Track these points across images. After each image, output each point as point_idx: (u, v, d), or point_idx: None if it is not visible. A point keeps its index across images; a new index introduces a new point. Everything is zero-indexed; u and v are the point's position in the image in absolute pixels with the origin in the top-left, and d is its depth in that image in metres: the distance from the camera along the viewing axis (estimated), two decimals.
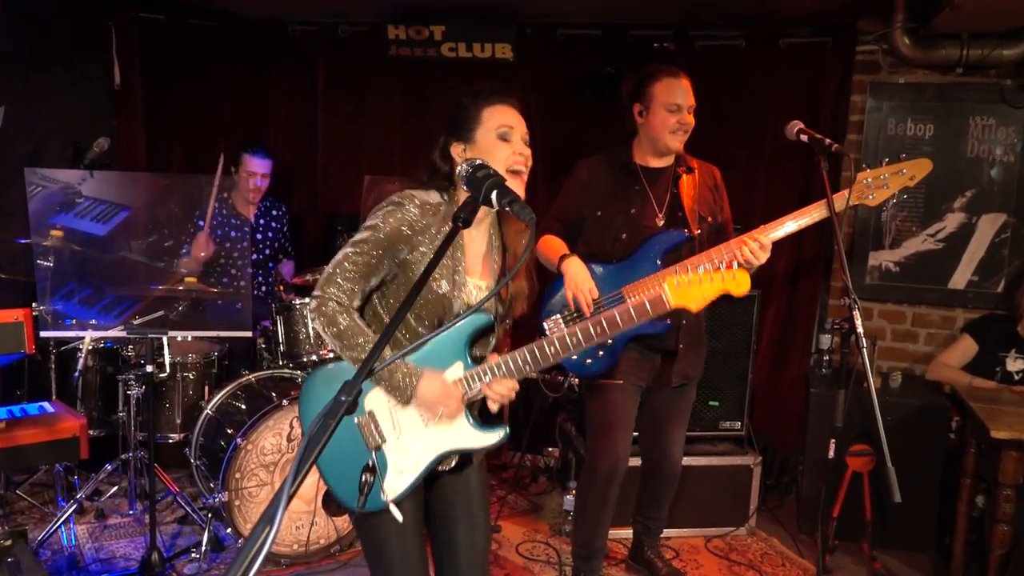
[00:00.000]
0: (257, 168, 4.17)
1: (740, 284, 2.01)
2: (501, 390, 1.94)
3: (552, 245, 2.97)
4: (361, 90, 4.89)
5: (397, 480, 1.96)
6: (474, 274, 2.03)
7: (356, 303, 1.93)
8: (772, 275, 4.32)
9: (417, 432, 1.98)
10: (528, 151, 1.98)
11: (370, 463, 1.88)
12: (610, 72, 4.46)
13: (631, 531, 3.52)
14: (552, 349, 1.95)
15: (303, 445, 0.90)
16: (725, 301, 3.74)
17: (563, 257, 2.89)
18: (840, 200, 2.66)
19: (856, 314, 2.34)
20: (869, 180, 2.74)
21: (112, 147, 4.42)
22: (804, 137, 2.63)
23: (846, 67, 4.16)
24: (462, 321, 1.96)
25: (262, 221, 4.41)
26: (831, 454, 2.47)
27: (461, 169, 1.67)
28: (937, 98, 4.04)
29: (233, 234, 4.16)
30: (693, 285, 1.97)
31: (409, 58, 4.67)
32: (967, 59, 3.85)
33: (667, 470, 3.24)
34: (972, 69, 3.93)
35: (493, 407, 1.98)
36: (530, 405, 4.55)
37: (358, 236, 1.92)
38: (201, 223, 4.05)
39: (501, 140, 1.93)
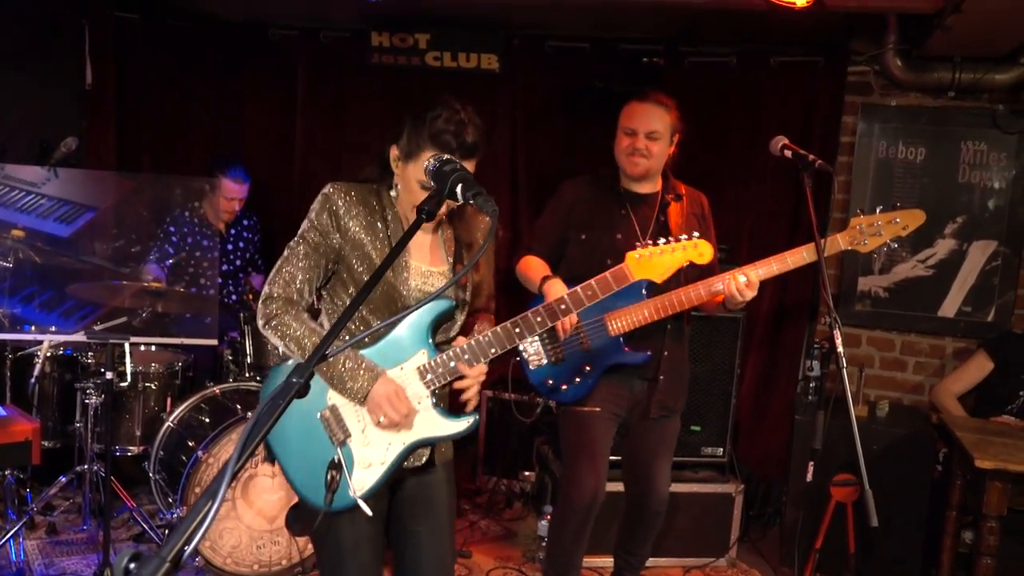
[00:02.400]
0: (235, 194, 4.27)
1: (703, 253, 2.10)
2: (471, 372, 1.99)
3: (533, 266, 3.00)
4: (342, 98, 4.95)
5: (365, 475, 1.97)
6: (421, 260, 2.07)
7: (303, 302, 1.99)
8: (759, 299, 4.32)
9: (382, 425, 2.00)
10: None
11: (335, 459, 1.90)
12: (599, 86, 4.54)
13: (611, 559, 3.53)
14: (517, 330, 2.02)
15: (250, 425, 0.94)
16: (708, 324, 3.82)
17: (545, 279, 2.91)
18: (831, 245, 2.78)
19: (837, 333, 2.39)
20: (863, 226, 2.81)
21: (80, 148, 4.45)
22: (788, 153, 2.69)
23: (838, 87, 4.25)
24: (422, 308, 2.00)
25: (233, 232, 4.44)
26: (810, 477, 2.51)
27: (429, 163, 1.72)
28: (929, 122, 4.13)
29: (205, 243, 4.19)
30: (654, 257, 2.05)
31: (392, 66, 4.74)
32: (959, 83, 3.96)
33: (653, 505, 3.20)
34: (964, 93, 4.04)
35: (468, 396, 2.03)
36: (507, 429, 4.58)
37: (294, 238, 2.01)
38: (172, 229, 4.08)
39: (422, 189, 1.95)
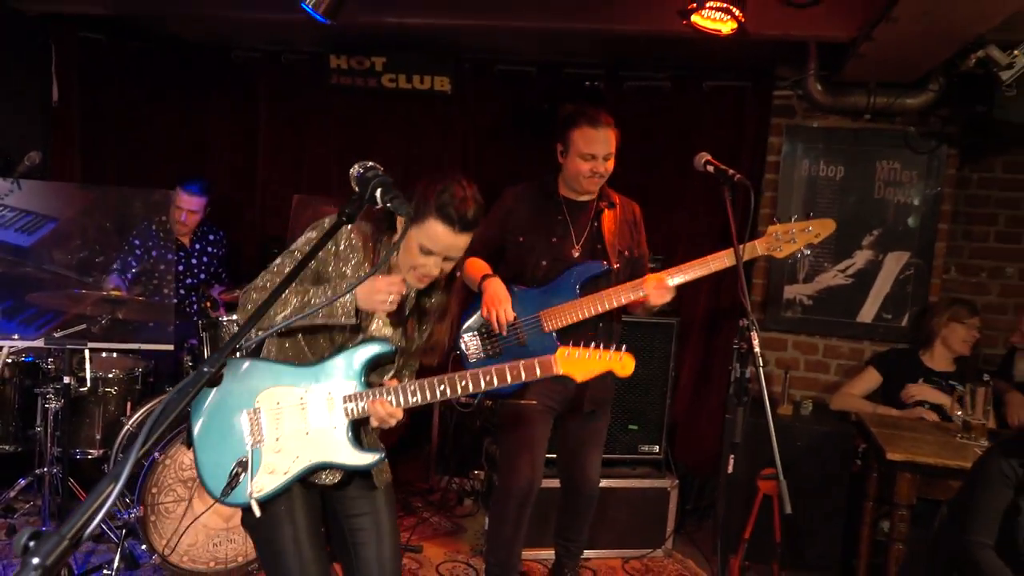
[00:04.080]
0: (185, 204, 4.18)
1: (625, 367, 2.17)
2: (381, 412, 2.00)
3: (476, 265, 3.02)
4: (302, 117, 4.92)
5: (266, 479, 1.98)
6: (383, 313, 2.09)
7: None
8: (693, 305, 4.44)
9: (296, 438, 2.02)
10: (438, 273, 2.06)
11: (244, 458, 1.90)
12: (544, 107, 4.58)
13: (552, 552, 3.54)
14: (442, 387, 2.04)
15: (159, 410, 0.92)
16: (645, 330, 3.85)
17: (485, 276, 2.95)
18: (748, 251, 2.87)
19: (754, 335, 2.42)
20: (779, 234, 2.90)
21: (45, 163, 4.37)
22: (710, 168, 2.74)
23: (764, 110, 4.33)
24: (365, 346, 2.04)
25: (198, 246, 4.38)
26: (730, 469, 2.53)
27: (354, 169, 1.72)
28: (847, 142, 4.23)
29: (168, 256, 4.12)
30: (582, 359, 2.12)
31: (350, 87, 4.72)
32: (874, 106, 4.05)
33: (585, 491, 3.26)
34: (879, 116, 4.13)
35: (374, 423, 2.04)
36: (459, 430, 4.57)
37: (292, 246, 2.03)
38: (136, 243, 4.01)
39: (421, 252, 2.00)
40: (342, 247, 2.05)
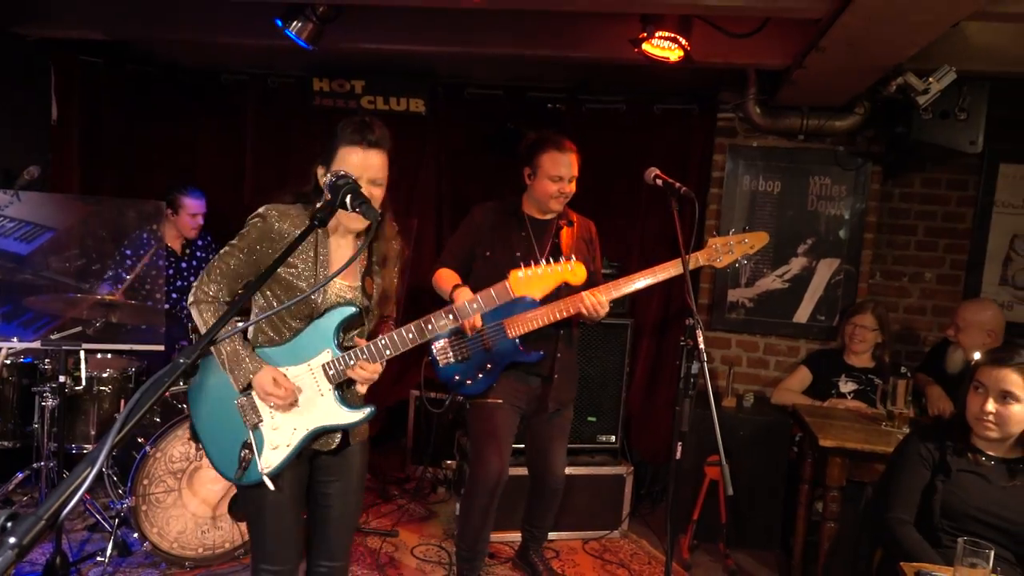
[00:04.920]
0: (197, 209, 4.23)
1: (576, 274, 2.09)
2: (364, 373, 2.00)
3: (446, 277, 3.01)
4: (287, 136, 4.87)
5: (272, 455, 1.98)
6: (341, 276, 2.07)
7: (224, 298, 2.01)
8: (646, 309, 4.46)
9: (291, 412, 2.01)
10: (377, 192, 2.04)
11: (248, 440, 1.88)
12: (510, 128, 4.58)
13: (519, 534, 3.53)
14: (410, 335, 2.03)
15: (134, 399, 0.90)
16: (601, 328, 3.85)
17: (455, 287, 2.93)
18: (692, 261, 2.88)
19: (698, 333, 2.44)
20: (718, 246, 2.93)
21: (45, 179, 4.27)
22: (659, 182, 2.75)
23: (709, 131, 4.37)
24: (331, 312, 2.02)
25: (188, 251, 4.32)
26: (678, 455, 2.54)
27: (327, 179, 1.71)
28: (783, 160, 4.28)
29: (160, 263, 4.05)
30: (534, 277, 2.05)
31: (331, 108, 4.69)
32: (807, 128, 4.11)
33: (552, 484, 3.25)
34: (812, 136, 4.19)
35: (361, 389, 2.05)
36: (432, 423, 4.53)
37: (227, 245, 2.03)
38: (128, 252, 3.93)
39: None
40: (272, 228, 2.00)
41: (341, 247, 2.10)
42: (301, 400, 2.00)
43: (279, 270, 1.97)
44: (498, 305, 2.09)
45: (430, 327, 2.05)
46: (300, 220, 2.00)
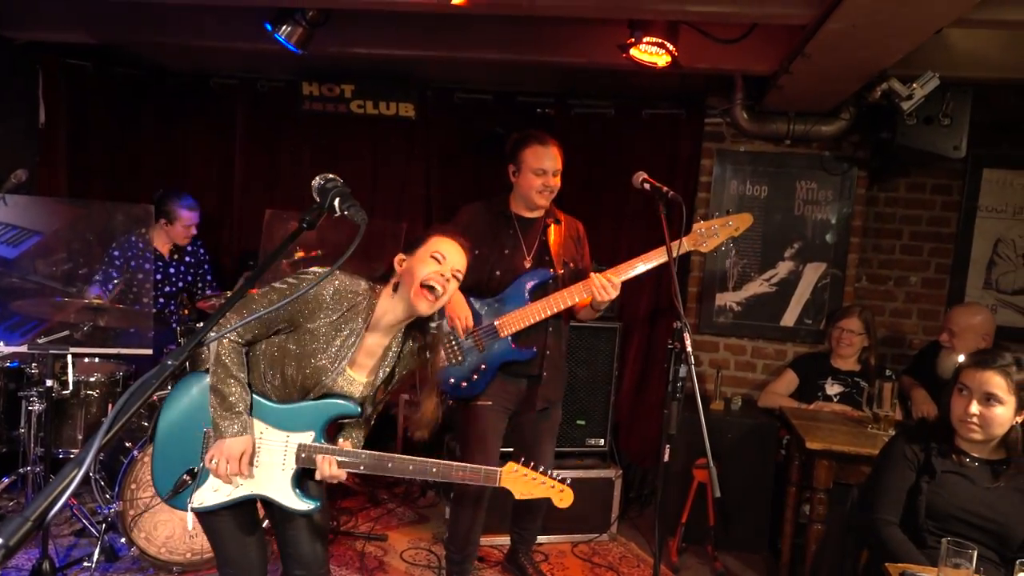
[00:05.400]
0: (192, 220, 4.22)
1: (564, 500, 2.11)
2: (329, 472, 1.98)
3: None
4: (276, 140, 4.87)
5: (208, 495, 1.98)
6: (358, 368, 2.05)
7: (248, 338, 1.97)
8: (635, 313, 4.48)
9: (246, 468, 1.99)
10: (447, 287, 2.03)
11: (195, 469, 1.88)
12: (499, 132, 4.59)
13: (507, 538, 3.53)
14: (391, 465, 2.00)
15: (124, 399, 0.90)
16: (591, 334, 3.86)
17: None
18: (681, 246, 2.91)
19: (686, 336, 2.45)
20: (703, 230, 2.96)
21: (32, 183, 4.24)
22: (647, 186, 2.77)
23: (697, 135, 4.39)
24: (331, 400, 1.99)
25: (176, 255, 4.30)
26: (666, 458, 2.55)
27: (315, 181, 1.69)
28: (770, 164, 4.30)
29: (147, 266, 4.04)
30: (527, 480, 2.06)
31: (321, 113, 4.69)
32: (793, 133, 4.14)
33: None
34: (798, 141, 4.22)
35: (318, 476, 2.01)
36: None
37: (277, 284, 1.95)
38: (116, 254, 3.92)
39: (432, 259, 2.01)
40: (325, 298, 1.94)
41: (373, 342, 2.06)
42: (261, 462, 1.99)
43: (308, 325, 1.93)
44: (480, 484, 2.07)
45: (412, 468, 2.02)
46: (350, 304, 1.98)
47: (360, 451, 2.01)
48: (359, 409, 2.02)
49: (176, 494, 1.91)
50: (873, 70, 3.30)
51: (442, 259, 2.01)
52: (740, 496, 3.78)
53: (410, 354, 2.13)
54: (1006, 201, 4.32)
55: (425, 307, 1.98)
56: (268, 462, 1.99)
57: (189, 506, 1.94)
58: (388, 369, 2.09)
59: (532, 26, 3.68)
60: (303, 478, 2.05)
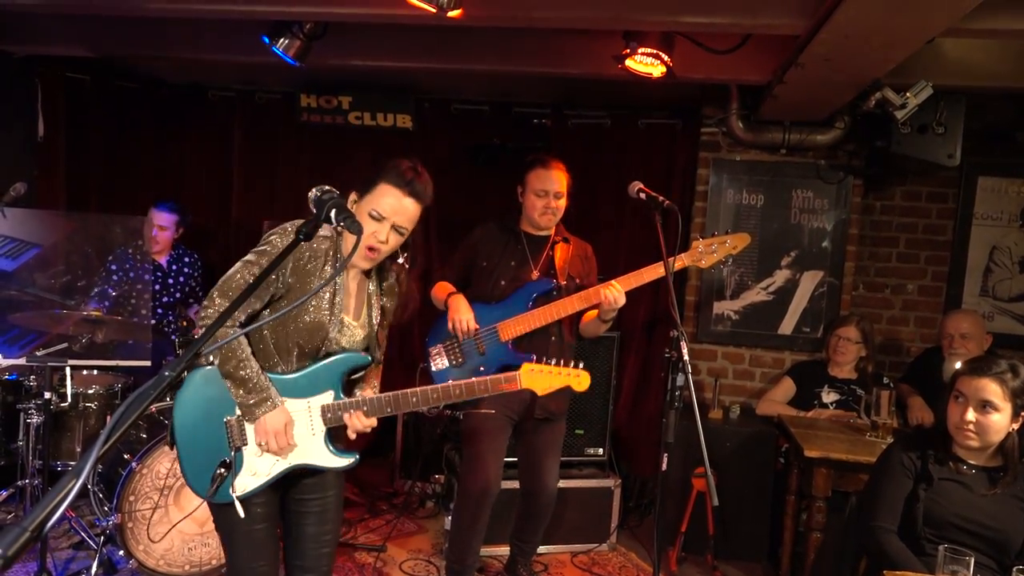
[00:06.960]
0: (156, 219, 4.14)
1: (581, 382, 2.20)
2: (359, 424, 2.01)
3: (443, 287, 3.10)
4: (274, 152, 4.89)
5: (248, 480, 1.96)
6: (351, 315, 2.07)
7: (242, 319, 1.93)
8: (633, 322, 4.49)
9: None
10: (387, 242, 1.99)
11: (228, 460, 1.87)
12: (496, 143, 4.62)
13: (507, 548, 3.52)
14: (414, 399, 2.04)
15: (122, 409, 0.91)
16: (588, 341, 3.89)
17: (451, 295, 3.03)
18: (677, 262, 2.92)
19: (683, 345, 2.46)
20: (702, 247, 2.99)
21: (32, 196, 4.26)
22: (642, 195, 2.79)
23: (693, 145, 4.42)
24: (341, 356, 2.01)
25: (175, 267, 4.31)
26: (664, 467, 2.55)
27: (312, 193, 1.71)
28: (766, 173, 4.32)
29: (146, 277, 4.05)
30: (544, 374, 2.13)
31: (319, 124, 4.72)
32: (789, 142, 4.16)
33: (543, 499, 3.25)
34: (793, 150, 4.24)
35: (351, 435, 2.03)
36: (421, 438, 4.53)
37: (249, 256, 1.95)
38: (113, 267, 3.93)
39: (371, 219, 1.97)
40: (306, 264, 1.95)
41: (348, 282, 2.08)
42: (292, 434, 1.99)
43: (293, 293, 1.94)
44: (503, 391, 2.14)
45: (435, 395, 2.06)
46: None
47: (381, 395, 2.03)
48: (368, 357, 2.05)
49: (217, 489, 1.90)
50: (866, 79, 3.33)
51: (380, 217, 1.96)
52: (739, 505, 3.78)
53: (389, 288, 2.15)
54: (1001, 209, 4.34)
55: (365, 264, 2.01)
56: (298, 432, 2.00)
57: (233, 495, 1.93)
58: (377, 307, 2.12)
59: (528, 38, 3.71)
60: (335, 437, 2.06)
